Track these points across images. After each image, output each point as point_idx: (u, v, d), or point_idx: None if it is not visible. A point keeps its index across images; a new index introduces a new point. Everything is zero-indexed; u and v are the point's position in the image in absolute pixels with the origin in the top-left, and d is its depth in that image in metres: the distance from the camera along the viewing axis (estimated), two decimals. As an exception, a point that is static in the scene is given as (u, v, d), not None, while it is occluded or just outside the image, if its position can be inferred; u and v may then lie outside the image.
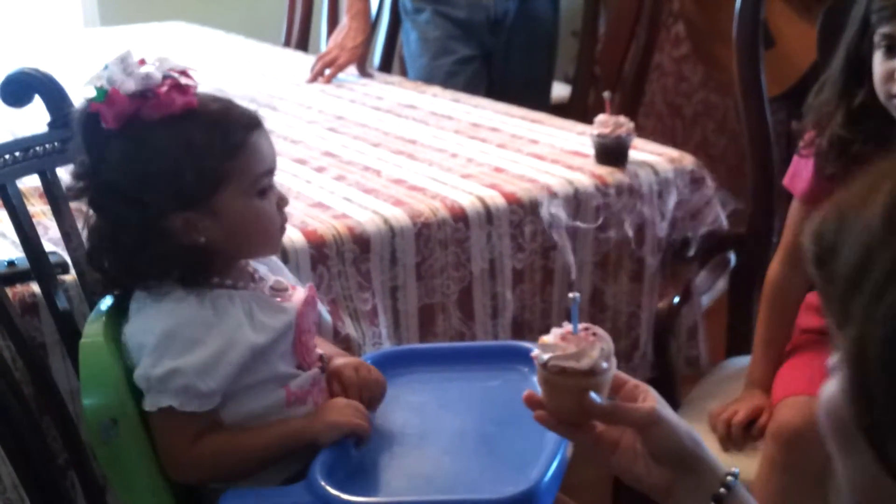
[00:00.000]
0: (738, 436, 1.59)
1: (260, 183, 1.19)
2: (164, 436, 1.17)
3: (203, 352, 1.15)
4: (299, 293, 1.27)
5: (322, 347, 1.32)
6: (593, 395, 1.00)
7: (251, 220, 1.19)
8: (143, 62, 1.18)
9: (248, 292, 1.22)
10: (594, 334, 1.03)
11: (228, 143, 1.17)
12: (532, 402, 1.04)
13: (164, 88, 1.14)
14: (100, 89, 1.15)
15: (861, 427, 0.61)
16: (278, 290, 1.26)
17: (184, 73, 1.19)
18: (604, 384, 1.02)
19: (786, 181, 1.63)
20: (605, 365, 1.02)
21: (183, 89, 1.15)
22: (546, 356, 1.02)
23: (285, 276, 1.30)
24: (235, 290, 1.21)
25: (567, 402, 1.01)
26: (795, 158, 1.60)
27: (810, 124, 1.53)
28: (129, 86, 1.14)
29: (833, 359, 0.64)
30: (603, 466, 1.03)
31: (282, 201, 1.23)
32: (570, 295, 1.07)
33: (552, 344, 1.02)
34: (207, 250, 1.18)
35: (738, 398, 1.64)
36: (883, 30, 1.41)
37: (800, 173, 1.58)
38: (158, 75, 1.15)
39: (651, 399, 1.01)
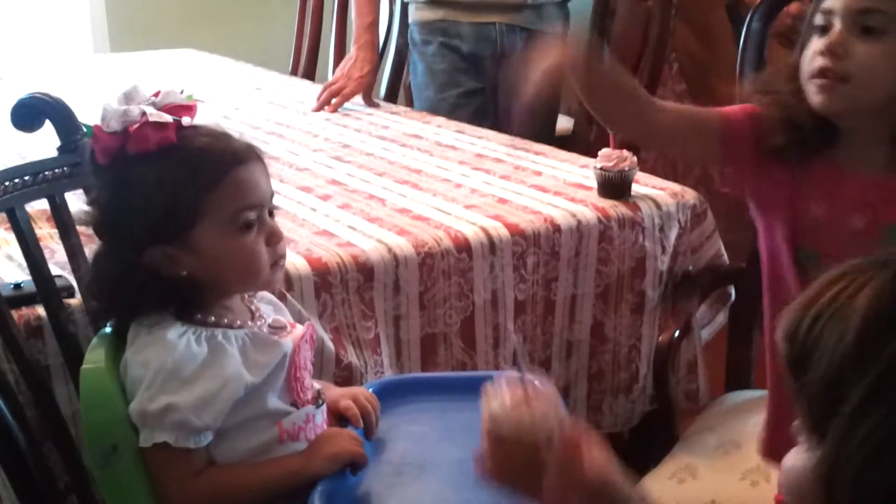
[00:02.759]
0: None
1: (240, 218, 1.19)
2: (160, 472, 1.17)
3: (198, 389, 1.15)
4: (297, 331, 1.27)
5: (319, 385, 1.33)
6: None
7: (231, 255, 1.19)
8: (157, 94, 1.20)
9: (244, 330, 1.22)
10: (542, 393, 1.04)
11: (203, 178, 1.17)
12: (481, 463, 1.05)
13: (136, 126, 1.16)
14: (89, 127, 1.19)
15: None
16: (276, 328, 1.26)
17: (184, 107, 1.20)
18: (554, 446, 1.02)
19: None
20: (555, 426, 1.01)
21: (158, 126, 1.17)
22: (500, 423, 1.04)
23: (284, 315, 1.31)
24: (231, 329, 1.21)
25: (518, 467, 1.02)
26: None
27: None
28: (112, 124, 1.17)
29: (798, 428, 0.65)
30: None
31: (273, 236, 1.22)
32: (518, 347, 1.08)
33: (502, 411, 1.05)
34: (194, 284, 1.19)
35: None
36: (821, 7, 1.31)
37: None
38: (136, 113, 1.17)
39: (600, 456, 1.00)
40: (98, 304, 1.26)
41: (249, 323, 1.24)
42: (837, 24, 1.28)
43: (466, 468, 1.25)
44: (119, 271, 1.19)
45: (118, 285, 1.20)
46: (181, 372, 1.15)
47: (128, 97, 1.18)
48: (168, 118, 1.18)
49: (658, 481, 1.64)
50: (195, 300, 1.20)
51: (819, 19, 1.32)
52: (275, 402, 1.21)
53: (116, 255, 1.20)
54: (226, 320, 1.22)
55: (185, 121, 1.19)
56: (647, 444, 1.95)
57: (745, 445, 1.65)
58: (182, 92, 1.23)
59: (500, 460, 1.02)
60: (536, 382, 1.04)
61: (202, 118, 1.25)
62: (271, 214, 1.24)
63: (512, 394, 1.02)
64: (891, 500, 0.60)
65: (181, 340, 1.17)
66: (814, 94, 1.31)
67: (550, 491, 1.00)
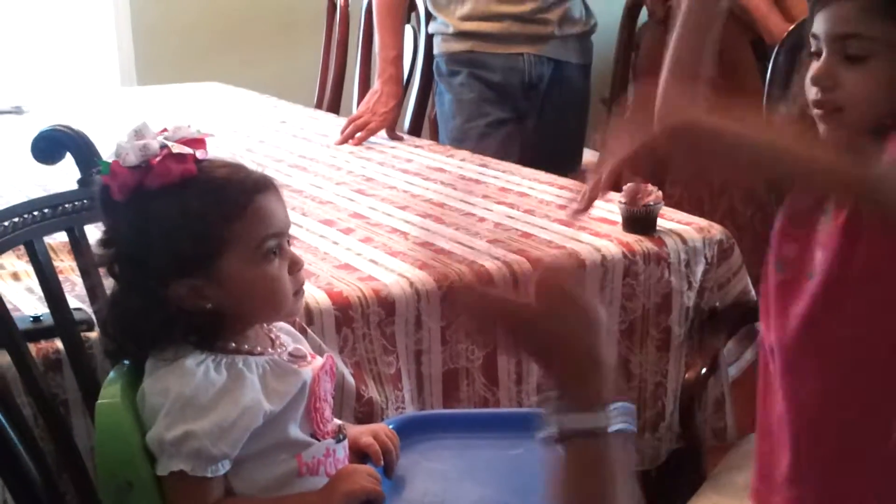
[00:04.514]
0: None
1: (264, 247, 1.19)
2: (176, 501, 1.16)
3: (216, 417, 1.14)
4: (317, 361, 1.26)
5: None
6: None
7: (257, 284, 1.19)
8: (164, 130, 1.20)
9: (264, 357, 1.21)
10: None
11: (228, 207, 1.17)
12: None
13: (159, 159, 1.16)
14: (105, 163, 1.18)
15: None
16: (296, 356, 1.26)
17: (196, 141, 1.20)
18: None
19: None
20: None
21: (179, 158, 1.16)
22: None
23: (304, 346, 1.30)
24: (252, 356, 1.20)
25: None
26: None
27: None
28: (131, 158, 1.16)
29: None
30: None
31: (294, 265, 1.22)
32: None
33: None
34: (218, 315, 1.18)
35: None
36: (811, 32, 1.30)
37: None
38: (156, 146, 1.16)
39: None
40: (115, 342, 1.24)
41: (270, 350, 1.23)
42: (824, 51, 1.27)
43: (487, 507, 1.23)
44: (141, 307, 1.18)
45: (140, 322, 1.19)
46: (199, 399, 1.14)
47: (138, 134, 1.18)
48: (188, 150, 1.17)
49: (686, 522, 1.61)
50: (218, 331, 1.19)
51: (812, 44, 1.31)
52: (295, 431, 1.20)
53: (138, 291, 1.19)
54: (246, 347, 1.21)
55: (200, 154, 1.19)
56: (674, 482, 1.92)
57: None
58: (189, 127, 1.23)
59: None
60: None
61: (219, 151, 1.25)
62: (289, 243, 1.24)
63: None
64: None
65: (199, 368, 1.16)
66: (818, 121, 1.31)
67: None
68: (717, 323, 1.84)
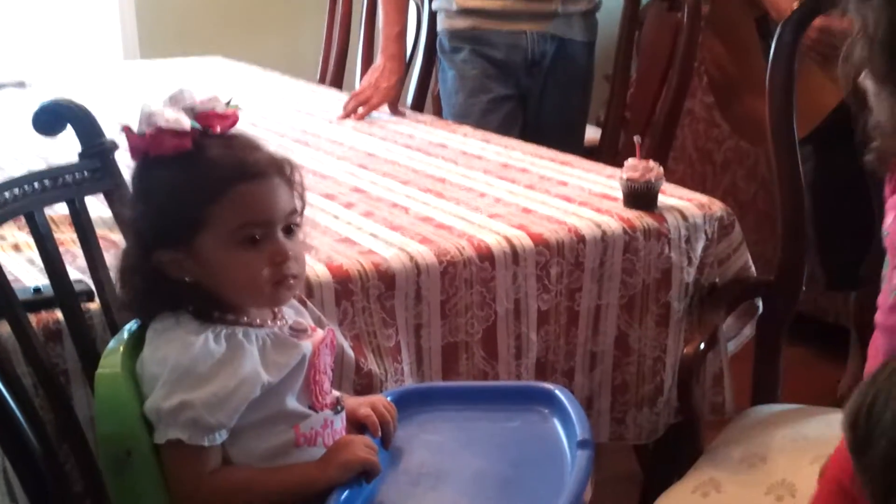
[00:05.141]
0: None
1: (242, 233, 1.19)
2: (173, 469, 1.17)
3: (213, 387, 1.15)
4: (318, 334, 1.27)
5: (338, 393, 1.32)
6: None
7: (229, 269, 1.19)
8: (209, 100, 1.21)
9: (265, 330, 1.22)
10: None
11: (207, 188, 1.18)
12: None
13: (152, 131, 1.18)
14: (121, 126, 1.21)
15: None
16: (297, 330, 1.26)
17: (219, 116, 1.21)
18: None
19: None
20: None
21: (175, 133, 1.17)
22: None
23: (305, 319, 1.30)
24: (251, 328, 1.21)
25: None
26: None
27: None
28: (140, 126, 1.19)
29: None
30: None
31: (276, 256, 1.21)
32: None
33: None
34: (201, 290, 1.20)
35: None
36: None
37: None
38: (163, 117, 1.18)
39: None
40: (122, 295, 1.27)
41: (270, 323, 1.24)
42: None
43: (484, 479, 1.24)
44: (134, 270, 1.22)
45: (135, 283, 1.22)
46: (197, 369, 1.15)
47: (173, 100, 1.20)
48: (186, 125, 1.18)
49: (682, 495, 1.62)
50: (212, 302, 1.20)
51: None
52: (293, 403, 1.21)
53: (132, 252, 1.22)
54: (246, 319, 1.22)
55: (217, 129, 1.20)
56: (671, 456, 1.93)
57: (771, 459, 1.62)
58: (229, 103, 1.23)
59: None
60: None
61: (244, 127, 1.26)
62: (290, 230, 1.23)
63: None
64: None
65: (199, 338, 1.17)
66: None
67: None
68: (717, 298, 1.85)
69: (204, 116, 1.20)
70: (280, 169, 1.23)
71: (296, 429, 1.21)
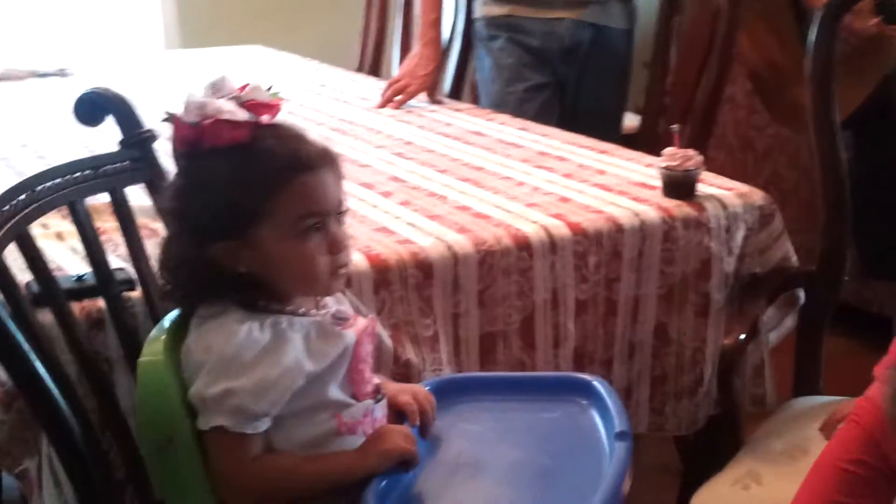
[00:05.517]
0: None
1: (301, 224, 1.19)
2: (216, 456, 1.18)
3: (258, 375, 1.16)
4: (360, 323, 1.27)
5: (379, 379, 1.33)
6: None
7: (290, 259, 1.20)
8: (243, 88, 1.21)
9: (309, 319, 1.22)
10: None
11: (269, 180, 1.18)
12: None
13: (210, 122, 1.17)
14: (168, 114, 1.20)
15: None
16: (340, 318, 1.26)
17: (266, 105, 1.20)
18: None
19: None
20: None
21: (234, 124, 1.17)
22: None
23: (346, 308, 1.31)
24: (295, 317, 1.21)
25: None
26: None
27: None
28: (190, 114, 1.18)
29: None
30: None
31: (334, 245, 1.22)
32: None
33: None
34: (254, 281, 1.20)
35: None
36: None
37: None
38: (214, 106, 1.17)
39: None
40: (166, 284, 1.27)
41: (313, 312, 1.24)
42: None
43: (522, 470, 1.24)
44: (184, 260, 1.21)
45: (184, 273, 1.22)
46: (241, 358, 1.16)
47: (214, 88, 1.20)
48: (244, 116, 1.18)
49: (722, 486, 1.61)
50: (259, 292, 1.21)
51: None
52: (336, 392, 1.21)
53: (181, 242, 1.21)
54: (290, 307, 1.22)
55: (265, 119, 1.19)
56: (711, 448, 1.91)
57: (812, 451, 1.60)
58: (269, 89, 1.23)
59: None
60: None
61: (283, 116, 1.25)
62: (339, 220, 1.24)
63: None
64: None
65: (243, 327, 1.17)
66: None
67: None
68: (758, 289, 1.83)
69: (252, 106, 1.20)
70: (331, 159, 1.23)
71: (338, 418, 1.21)
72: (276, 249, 1.19)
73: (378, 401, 1.27)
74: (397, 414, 1.31)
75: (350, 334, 1.24)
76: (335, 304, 1.29)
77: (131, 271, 1.46)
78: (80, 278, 1.45)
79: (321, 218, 1.21)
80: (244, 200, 1.18)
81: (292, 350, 1.18)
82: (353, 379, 1.24)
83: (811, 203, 3.26)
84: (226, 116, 1.17)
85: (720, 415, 1.82)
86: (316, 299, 1.27)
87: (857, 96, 2.36)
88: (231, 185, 1.17)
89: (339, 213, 1.24)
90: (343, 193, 1.25)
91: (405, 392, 1.32)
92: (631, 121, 2.98)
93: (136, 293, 1.45)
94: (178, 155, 1.22)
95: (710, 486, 1.63)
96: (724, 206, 1.82)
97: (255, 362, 1.16)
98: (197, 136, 1.18)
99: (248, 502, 1.20)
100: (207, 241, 1.19)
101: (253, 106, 1.20)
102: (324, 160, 1.22)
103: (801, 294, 1.94)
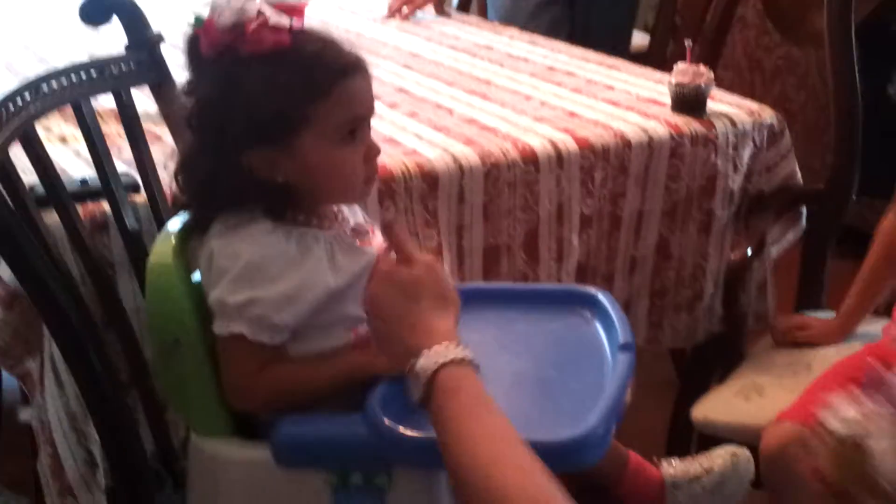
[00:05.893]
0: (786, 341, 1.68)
1: (344, 130, 1.17)
2: (229, 362, 1.17)
3: (282, 287, 1.15)
4: (378, 237, 1.26)
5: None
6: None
7: (330, 166, 1.17)
8: None
9: (332, 233, 1.21)
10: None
11: (314, 86, 1.15)
12: (812, 470, 1.07)
13: (254, 26, 1.13)
14: (199, 17, 1.15)
15: None
16: (359, 232, 1.25)
17: (294, 9, 1.17)
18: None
19: None
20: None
21: (275, 28, 1.14)
22: (843, 429, 1.01)
23: (362, 220, 1.29)
24: (320, 230, 1.20)
25: (855, 481, 1.00)
26: None
27: None
28: (225, 18, 1.13)
29: None
30: None
31: (371, 150, 1.20)
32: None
33: (851, 418, 1.02)
34: (288, 189, 1.18)
35: (818, 320, 1.68)
36: None
37: None
38: (253, 10, 1.13)
39: None
40: (185, 196, 1.24)
41: (335, 224, 1.23)
42: None
43: (524, 380, 1.24)
44: (214, 169, 1.17)
45: (212, 182, 1.18)
46: (268, 268, 1.15)
47: None
48: (286, 21, 1.15)
49: (724, 396, 1.62)
50: (287, 202, 1.19)
51: None
52: (355, 308, 1.20)
53: (213, 151, 1.17)
54: (315, 221, 1.21)
55: (296, 23, 1.16)
56: (709, 363, 1.93)
57: (816, 366, 1.62)
58: None
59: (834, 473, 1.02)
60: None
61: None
62: (369, 128, 1.22)
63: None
64: None
65: (271, 237, 1.16)
66: None
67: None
68: (764, 206, 1.83)
69: (283, 9, 1.16)
70: (365, 63, 1.20)
71: (354, 331, 1.21)
72: (317, 157, 1.16)
73: None
74: None
75: (371, 251, 1.23)
76: (352, 216, 1.28)
77: (136, 175, 1.45)
78: (84, 181, 1.45)
79: (360, 123, 1.19)
80: (287, 108, 1.14)
81: (317, 264, 1.17)
82: None
83: (818, 125, 3.25)
84: (272, 21, 1.13)
85: (723, 332, 1.83)
86: (336, 211, 1.25)
87: (861, 9, 2.32)
88: (273, 92, 1.13)
89: (369, 120, 1.22)
90: (374, 101, 1.23)
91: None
92: (640, 39, 2.94)
93: (141, 197, 1.44)
94: (206, 61, 1.16)
95: (712, 397, 1.65)
96: (734, 124, 1.80)
97: (281, 274, 1.15)
98: (233, 42, 1.14)
99: (258, 408, 1.20)
100: (243, 150, 1.15)
101: (284, 9, 1.16)
102: (360, 65, 1.19)
103: (804, 211, 1.94)
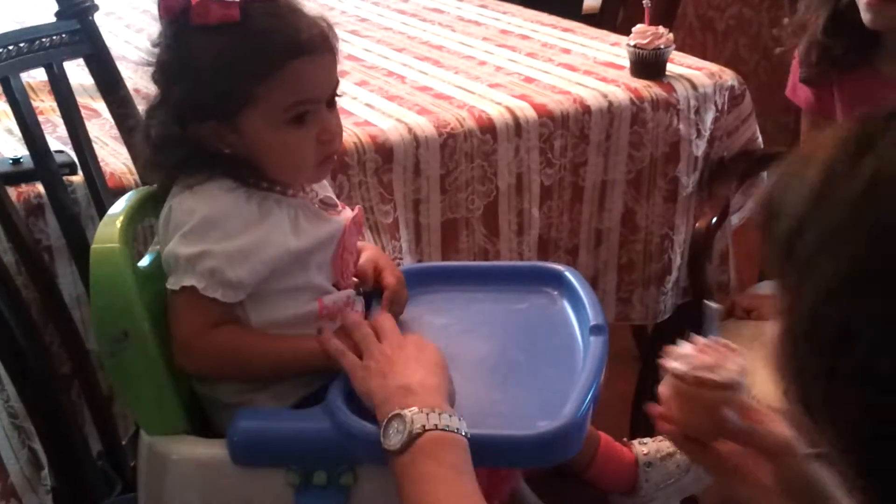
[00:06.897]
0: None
1: (291, 112, 1.11)
2: (180, 318, 1.11)
3: (238, 242, 1.10)
4: (347, 212, 1.21)
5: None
6: (728, 411, 0.96)
7: (276, 147, 1.12)
8: None
9: (298, 200, 1.16)
10: (730, 348, 0.99)
11: (259, 65, 1.09)
12: (658, 415, 1.01)
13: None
14: None
15: (786, 370, 0.67)
16: (328, 204, 1.20)
17: None
18: (738, 401, 0.98)
19: (788, 92, 1.63)
20: (742, 381, 0.97)
21: (223, 2, 1.08)
22: (682, 366, 0.98)
23: (332, 194, 1.24)
24: (284, 196, 1.15)
25: (700, 416, 0.99)
26: (793, 66, 1.60)
27: (790, 28, 1.56)
28: None
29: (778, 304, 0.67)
30: (724, 489, 0.98)
31: (324, 134, 1.14)
32: (710, 304, 1.02)
33: (688, 354, 0.99)
34: (239, 161, 1.13)
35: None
36: None
37: (799, 82, 1.59)
38: None
39: (783, 427, 0.95)
40: (147, 155, 1.18)
41: (301, 194, 1.18)
42: None
43: (491, 365, 1.19)
44: (165, 134, 1.13)
45: (164, 143, 1.13)
46: (225, 224, 1.10)
47: None
48: None
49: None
50: (246, 168, 1.14)
51: None
52: (319, 278, 1.16)
53: (164, 117, 1.13)
54: (279, 187, 1.15)
55: None
56: (673, 335, 1.88)
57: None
58: None
59: (679, 413, 1.00)
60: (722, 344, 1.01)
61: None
62: (332, 103, 1.16)
63: (697, 350, 1.00)
64: (844, 333, 0.62)
65: (231, 195, 1.11)
66: (864, 12, 1.44)
67: (729, 455, 1.00)
68: (727, 172, 1.78)
69: None
70: (329, 41, 1.14)
71: (319, 301, 1.16)
72: (262, 136, 1.12)
73: (359, 293, 1.21)
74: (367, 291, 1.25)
75: (339, 220, 1.18)
76: (321, 190, 1.23)
77: (72, 154, 1.36)
78: (16, 161, 1.36)
79: (311, 105, 1.13)
80: (233, 85, 1.09)
81: (278, 224, 1.12)
82: (337, 267, 1.18)
83: (770, 85, 3.22)
84: None
85: (689, 303, 1.78)
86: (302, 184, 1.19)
87: None
88: (219, 68, 1.08)
89: (333, 96, 1.16)
90: (336, 75, 1.16)
91: (392, 273, 1.25)
92: (593, 1, 2.87)
93: (78, 177, 1.36)
94: (164, 23, 1.12)
95: (678, 373, 1.60)
96: (695, 87, 1.75)
97: (237, 230, 1.10)
98: (182, 10, 1.09)
99: (206, 370, 1.14)
100: (190, 121, 1.11)
101: None
102: (319, 44, 1.12)
103: (766, 176, 1.89)
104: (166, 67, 1.12)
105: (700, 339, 1.00)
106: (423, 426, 0.97)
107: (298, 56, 1.10)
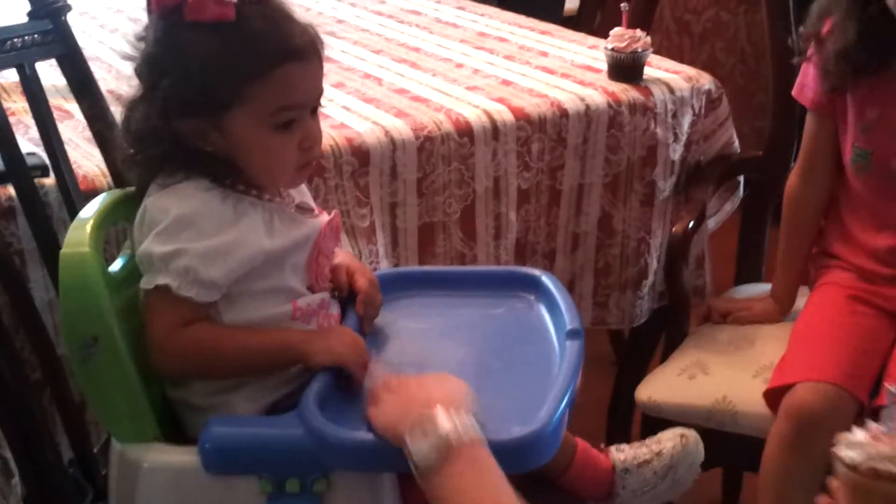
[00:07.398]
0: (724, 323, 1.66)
1: (277, 117, 1.11)
2: (154, 317, 1.11)
3: (212, 242, 1.09)
4: (324, 217, 1.21)
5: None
6: None
7: (258, 149, 1.12)
8: None
9: (273, 203, 1.16)
10: None
11: (250, 66, 1.09)
12: None
13: None
14: None
15: None
16: (304, 209, 1.20)
17: None
18: None
19: (795, 92, 1.60)
20: None
21: (221, 2, 1.08)
22: (857, 456, 0.89)
23: (308, 200, 1.23)
24: (259, 200, 1.14)
25: None
26: (803, 67, 1.57)
27: (811, 33, 1.52)
28: None
29: None
30: None
31: (305, 140, 1.14)
32: (890, 388, 0.98)
33: (862, 442, 0.90)
34: (219, 160, 1.12)
35: (757, 300, 1.66)
36: None
37: (808, 83, 1.56)
38: None
39: None
40: (128, 148, 1.17)
41: (278, 199, 1.18)
42: None
43: (468, 369, 1.18)
44: (146, 127, 1.12)
45: (143, 139, 1.13)
46: (199, 223, 1.10)
47: None
48: None
49: (668, 376, 1.57)
50: (224, 169, 1.13)
51: None
52: (294, 280, 1.16)
53: (147, 111, 1.12)
54: (255, 191, 1.15)
55: None
56: (649, 340, 1.88)
57: (759, 341, 1.58)
58: None
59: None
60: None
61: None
62: (314, 111, 1.16)
63: (872, 438, 0.91)
64: None
65: (206, 195, 1.11)
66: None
67: None
68: (704, 176, 1.78)
69: None
70: (318, 47, 1.14)
71: (293, 303, 1.15)
72: (245, 138, 1.11)
73: (334, 297, 1.21)
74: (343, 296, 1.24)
75: (315, 223, 1.18)
76: (298, 195, 1.22)
77: (44, 156, 1.35)
78: (-14, 163, 1.34)
79: (297, 111, 1.13)
80: (219, 84, 1.09)
81: (252, 225, 1.12)
82: (311, 269, 1.18)
83: (747, 89, 3.23)
84: None
85: (666, 307, 1.78)
86: (279, 189, 1.19)
87: None
88: (208, 65, 1.08)
89: (317, 104, 1.16)
90: (322, 83, 1.16)
91: (364, 276, 1.25)
92: (570, 3, 2.88)
93: (50, 180, 1.34)
94: (154, 17, 1.12)
95: (655, 377, 1.60)
96: (672, 91, 1.75)
97: (212, 230, 1.10)
98: (176, 5, 1.09)
99: (181, 369, 1.13)
100: (175, 116, 1.10)
101: None
102: (309, 50, 1.13)
103: (741, 180, 1.90)
104: (153, 61, 1.11)
105: (876, 427, 0.92)
106: (469, 432, 0.97)
107: (290, 60, 1.10)
